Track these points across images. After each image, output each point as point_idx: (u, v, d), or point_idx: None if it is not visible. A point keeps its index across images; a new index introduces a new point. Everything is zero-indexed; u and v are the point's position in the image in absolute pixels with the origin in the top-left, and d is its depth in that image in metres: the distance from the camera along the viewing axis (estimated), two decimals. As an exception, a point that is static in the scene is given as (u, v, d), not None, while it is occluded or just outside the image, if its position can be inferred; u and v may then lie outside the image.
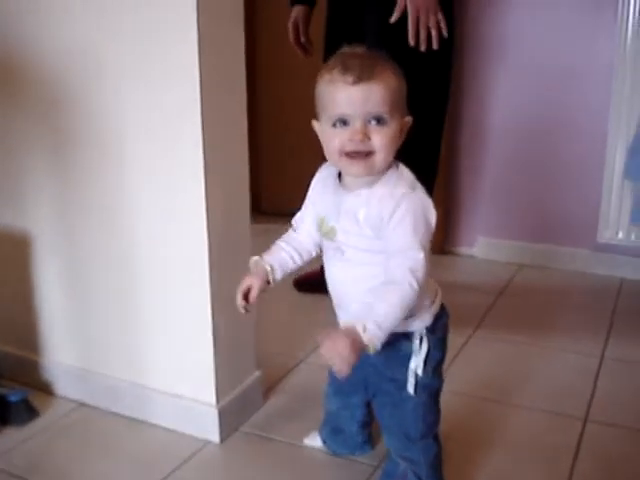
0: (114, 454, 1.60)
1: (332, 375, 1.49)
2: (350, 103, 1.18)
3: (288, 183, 3.30)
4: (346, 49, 1.25)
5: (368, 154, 1.20)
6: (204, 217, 1.51)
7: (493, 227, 2.86)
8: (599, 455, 1.59)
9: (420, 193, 1.23)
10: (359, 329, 1.13)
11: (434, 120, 2.22)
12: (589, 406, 1.79)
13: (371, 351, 1.14)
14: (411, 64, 2.09)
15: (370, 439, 1.57)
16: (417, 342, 1.29)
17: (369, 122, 1.19)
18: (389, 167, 1.25)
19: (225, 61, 1.52)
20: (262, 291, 1.36)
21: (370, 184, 1.24)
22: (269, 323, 2.14)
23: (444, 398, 1.37)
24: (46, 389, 1.84)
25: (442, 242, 2.92)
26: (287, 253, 1.40)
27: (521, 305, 2.47)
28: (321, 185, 1.34)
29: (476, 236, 2.90)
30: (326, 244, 1.33)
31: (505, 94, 2.72)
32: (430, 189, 2.30)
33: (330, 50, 2.27)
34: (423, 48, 2.01)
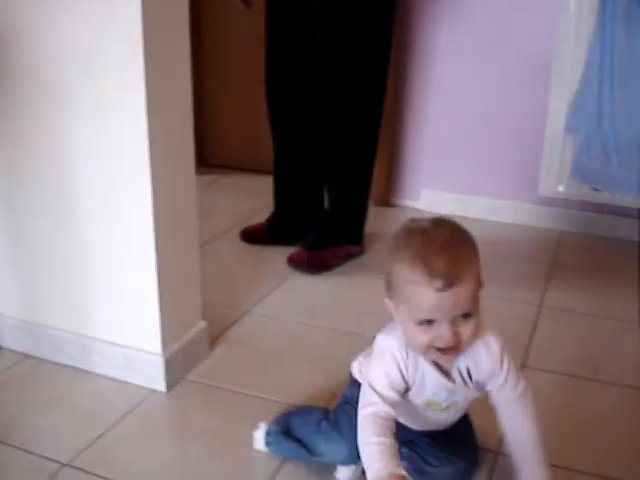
0: (60, 405, 1.61)
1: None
2: (438, 309, 1.14)
3: (232, 135, 3.30)
4: (422, 225, 1.18)
5: (457, 345, 1.18)
6: (148, 168, 1.50)
7: (437, 180, 2.88)
8: (535, 400, 1.64)
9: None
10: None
11: (377, 74, 2.23)
12: (527, 353, 1.85)
13: None
14: (354, 20, 2.10)
15: None
16: None
17: (456, 319, 1.16)
18: None
19: (168, 12, 1.49)
20: None
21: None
22: (215, 274, 2.15)
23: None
24: (-11, 341, 1.83)
25: (386, 194, 2.93)
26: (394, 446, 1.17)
27: (463, 256, 2.51)
28: (413, 369, 1.24)
29: (420, 189, 2.93)
30: (425, 406, 1.31)
31: (448, 47, 2.72)
32: (375, 142, 2.32)
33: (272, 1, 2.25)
34: None
